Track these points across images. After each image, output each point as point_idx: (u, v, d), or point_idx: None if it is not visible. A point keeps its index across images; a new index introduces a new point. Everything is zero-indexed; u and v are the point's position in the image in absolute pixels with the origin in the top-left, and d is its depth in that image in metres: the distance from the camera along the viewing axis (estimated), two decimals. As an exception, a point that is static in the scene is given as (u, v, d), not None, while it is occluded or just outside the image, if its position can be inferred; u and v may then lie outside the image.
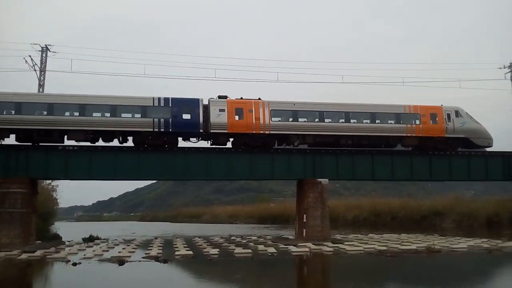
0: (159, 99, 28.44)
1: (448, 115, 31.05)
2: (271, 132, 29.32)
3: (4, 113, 26.57)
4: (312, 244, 26.83)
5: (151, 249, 25.41)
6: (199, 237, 36.31)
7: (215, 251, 24.32)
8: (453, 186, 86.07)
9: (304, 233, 29.81)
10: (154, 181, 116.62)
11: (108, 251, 25.81)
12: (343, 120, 30.07)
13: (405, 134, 30.72)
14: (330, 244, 27.22)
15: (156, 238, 36.49)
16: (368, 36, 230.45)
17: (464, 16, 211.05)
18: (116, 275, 17.87)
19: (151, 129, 27.89)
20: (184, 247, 26.78)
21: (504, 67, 38.60)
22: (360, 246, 25.96)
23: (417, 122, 30.77)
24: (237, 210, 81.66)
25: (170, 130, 28.17)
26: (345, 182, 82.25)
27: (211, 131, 28.58)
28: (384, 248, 25.34)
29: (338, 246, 26.05)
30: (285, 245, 27.58)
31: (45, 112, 27.13)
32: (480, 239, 30.22)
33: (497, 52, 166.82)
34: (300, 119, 29.82)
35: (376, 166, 31.58)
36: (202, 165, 29.86)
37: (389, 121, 30.73)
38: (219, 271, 19.53)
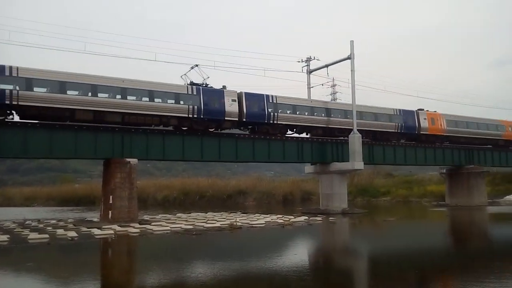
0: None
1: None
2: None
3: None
4: (118, 226, 25.89)
5: None
6: (-15, 223, 31.72)
7: (4, 237, 21.47)
8: (257, 168, 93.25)
9: (110, 215, 28.57)
10: None
11: None
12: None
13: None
14: (137, 225, 26.68)
15: None
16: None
17: (268, 10, 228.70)
18: None
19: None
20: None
21: (302, 61, 42.71)
22: (167, 226, 26.09)
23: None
24: (35, 191, 73.93)
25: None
26: (156, 162, 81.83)
27: None
28: (191, 227, 25.97)
29: (145, 227, 25.70)
30: (88, 228, 25.96)
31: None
32: (276, 215, 33.42)
33: (297, 46, 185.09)
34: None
35: (186, 147, 32.01)
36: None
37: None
38: (8, 260, 17.30)
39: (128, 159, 29.22)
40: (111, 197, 28.71)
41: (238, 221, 28.08)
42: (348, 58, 37.51)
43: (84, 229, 25.78)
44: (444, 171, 49.79)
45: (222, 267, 14.36)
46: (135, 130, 30.17)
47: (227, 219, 30.56)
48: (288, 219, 30.34)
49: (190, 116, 30.69)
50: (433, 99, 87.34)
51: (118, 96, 28.38)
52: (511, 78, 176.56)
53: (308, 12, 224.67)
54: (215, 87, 32.75)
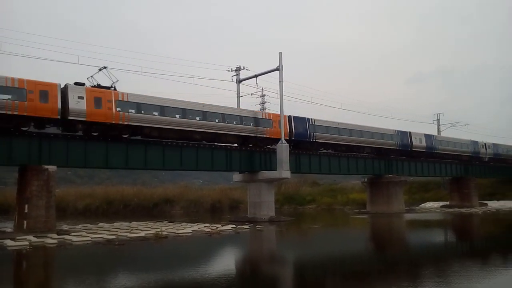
0: None
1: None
2: None
3: None
4: (34, 236, 24.25)
5: None
6: None
7: None
8: (184, 176, 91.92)
9: (25, 225, 26.68)
10: None
11: None
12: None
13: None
14: (55, 235, 25.14)
15: None
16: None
17: (195, 16, 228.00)
18: None
19: None
20: None
21: (232, 70, 42.89)
22: (88, 236, 24.83)
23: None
24: None
25: None
26: (78, 169, 78.09)
27: None
28: (113, 237, 24.92)
29: (63, 238, 24.29)
30: (0, 239, 24.05)
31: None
32: (204, 224, 33.06)
33: (227, 54, 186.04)
34: None
35: (110, 154, 30.79)
36: None
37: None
38: None
39: (46, 166, 27.50)
40: (26, 206, 26.82)
41: (164, 230, 27.37)
42: (277, 69, 38.16)
43: (-5, 240, 23.83)
44: (366, 180, 52.09)
45: (145, 278, 13.85)
46: (54, 136, 28.54)
47: (153, 228, 29.68)
48: (215, 227, 30.10)
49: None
50: (355, 111, 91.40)
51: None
52: (422, 94, 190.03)
53: (240, 22, 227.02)
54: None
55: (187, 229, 29.03)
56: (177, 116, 32.48)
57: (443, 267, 15.17)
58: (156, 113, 31.41)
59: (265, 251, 22.56)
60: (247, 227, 31.58)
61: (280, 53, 38.13)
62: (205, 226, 30.79)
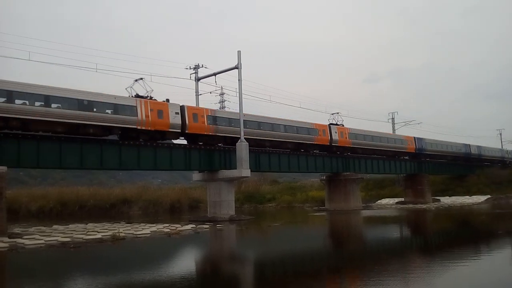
0: None
1: None
2: None
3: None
4: (-17, 241, 23.16)
5: None
6: None
7: None
8: (143, 175, 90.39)
9: (-27, 229, 25.48)
10: None
11: None
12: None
13: None
14: (6, 239, 24.08)
15: None
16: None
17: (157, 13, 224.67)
18: None
19: None
20: None
21: (190, 68, 42.49)
22: (42, 239, 23.96)
23: None
24: None
25: None
26: (30, 169, 75.24)
27: None
28: (68, 239, 24.15)
29: (15, 241, 23.32)
30: None
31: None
32: (163, 224, 32.61)
33: (187, 52, 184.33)
34: None
35: (64, 154, 29.83)
36: None
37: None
38: None
39: (-4, 167, 26.32)
40: (-26, 209, 25.60)
41: (121, 232, 26.76)
42: (236, 67, 38.13)
43: None
44: (324, 177, 52.94)
45: (104, 281, 13.52)
46: (4, 134, 27.37)
47: (110, 230, 28.96)
48: (175, 227, 29.74)
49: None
50: (314, 110, 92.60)
51: None
52: (379, 93, 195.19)
53: (199, 19, 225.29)
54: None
55: (145, 230, 28.52)
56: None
57: (401, 262, 15.65)
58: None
59: (225, 250, 22.52)
60: (207, 226, 31.41)
61: (239, 52, 38.14)
62: (164, 227, 30.36)
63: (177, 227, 29.83)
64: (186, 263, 18.08)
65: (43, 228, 32.50)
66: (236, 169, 37.47)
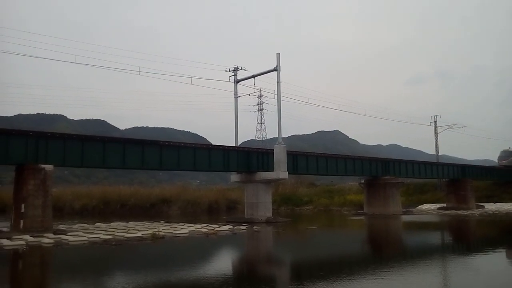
0: None
1: None
2: None
3: None
4: (30, 236, 24.18)
5: None
6: None
7: None
8: (182, 176, 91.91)
9: (22, 224, 26.64)
10: None
11: None
12: None
13: None
14: (51, 235, 25.08)
15: None
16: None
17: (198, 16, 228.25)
18: None
19: None
20: None
21: (229, 70, 42.90)
22: (85, 236, 24.76)
23: None
24: None
25: None
26: (75, 169, 77.93)
27: None
28: (110, 237, 24.86)
29: (60, 237, 24.22)
30: (-5, 239, 23.97)
31: None
32: (201, 224, 33.01)
33: (225, 55, 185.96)
34: None
35: (107, 153, 30.75)
36: None
37: None
38: None
39: (42, 165, 27.43)
40: (23, 205, 26.78)
41: (161, 231, 27.31)
42: (275, 69, 38.18)
43: (-9, 240, 23.75)
44: (363, 181, 52.15)
45: (143, 278, 13.81)
46: (51, 134, 28.49)
47: (150, 228, 29.62)
48: (212, 228, 30.06)
49: None
50: (354, 112, 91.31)
51: None
52: (422, 96, 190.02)
53: (235, 21, 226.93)
54: None
55: (184, 229, 28.97)
56: None
57: (441, 266, 15.20)
58: None
59: (262, 252, 22.53)
60: (244, 227, 31.54)
61: (278, 54, 38.17)
62: (202, 227, 30.74)
63: (214, 228, 30.14)
64: (223, 263, 18.23)
65: (86, 225, 33.60)
66: (273, 171, 37.48)
